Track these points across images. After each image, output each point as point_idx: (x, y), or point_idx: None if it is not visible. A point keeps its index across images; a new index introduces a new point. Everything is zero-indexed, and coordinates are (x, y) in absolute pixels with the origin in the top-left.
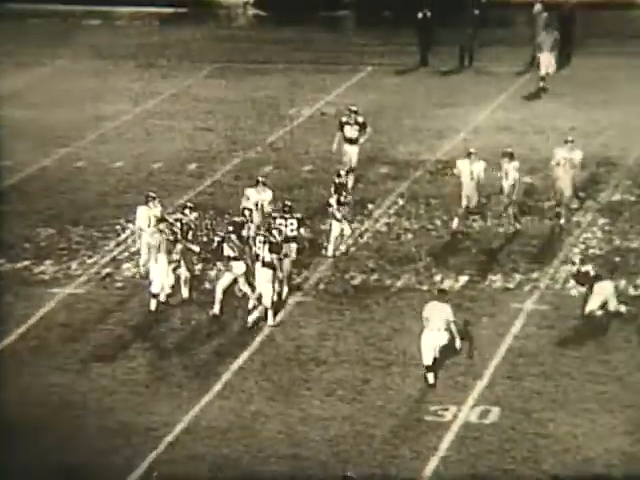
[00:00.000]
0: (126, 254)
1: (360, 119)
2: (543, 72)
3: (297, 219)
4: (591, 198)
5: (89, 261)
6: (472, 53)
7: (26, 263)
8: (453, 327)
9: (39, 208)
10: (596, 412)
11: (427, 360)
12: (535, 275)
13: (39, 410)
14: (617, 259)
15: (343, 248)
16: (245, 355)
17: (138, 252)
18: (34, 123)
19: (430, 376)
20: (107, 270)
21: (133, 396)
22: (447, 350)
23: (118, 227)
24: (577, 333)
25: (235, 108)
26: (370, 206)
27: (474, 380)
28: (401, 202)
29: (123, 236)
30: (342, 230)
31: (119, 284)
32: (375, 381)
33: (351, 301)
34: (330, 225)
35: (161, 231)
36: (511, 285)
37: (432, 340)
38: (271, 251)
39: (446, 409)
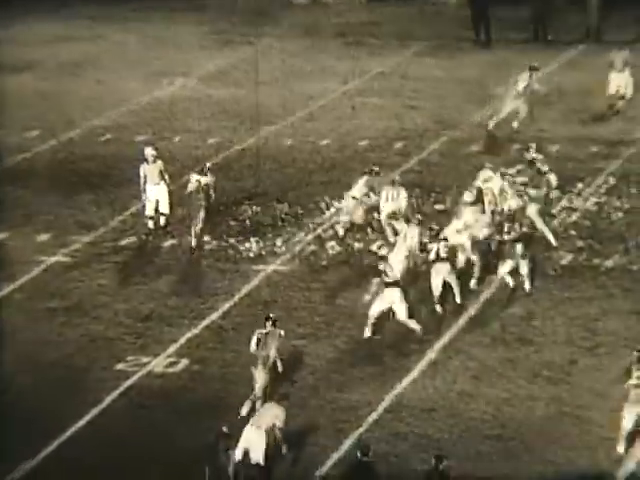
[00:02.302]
0: (330, 232)
1: None
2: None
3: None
4: None
5: (294, 239)
6: (545, 26)
7: (231, 240)
8: None
9: (245, 186)
10: None
11: None
12: None
13: (243, 387)
14: None
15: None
16: (450, 334)
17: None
18: (241, 101)
19: None
20: (311, 248)
21: (337, 375)
22: None
23: (323, 205)
24: None
25: (443, 86)
26: (580, 185)
27: None
28: (612, 181)
29: (328, 214)
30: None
31: (323, 262)
32: (582, 362)
33: (559, 280)
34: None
35: None
36: None
37: None
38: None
39: None
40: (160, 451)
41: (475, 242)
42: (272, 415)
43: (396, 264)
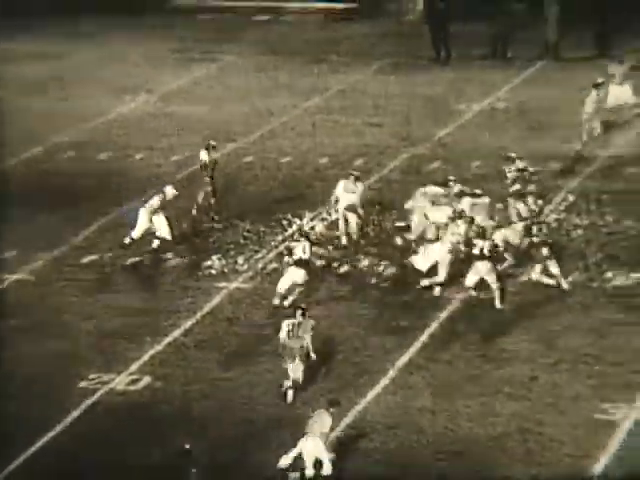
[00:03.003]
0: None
1: None
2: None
3: None
4: None
5: (256, 256)
6: (505, 43)
7: (194, 257)
8: None
9: (207, 203)
10: None
11: None
12: None
13: (205, 404)
14: None
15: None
16: (411, 351)
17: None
18: (203, 119)
19: None
20: (273, 265)
21: (299, 391)
22: (618, 346)
23: (285, 222)
24: None
25: (404, 103)
26: (540, 202)
27: None
28: (571, 198)
29: (290, 231)
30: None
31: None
32: (543, 378)
33: (519, 297)
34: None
35: None
36: None
37: None
38: None
39: (617, 407)
40: (122, 469)
41: None
42: (322, 423)
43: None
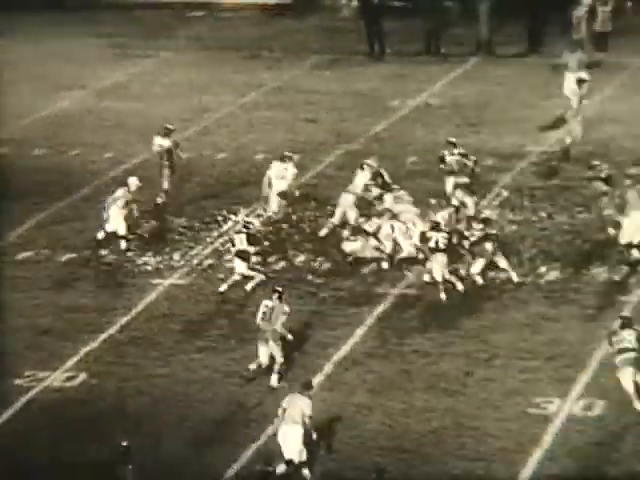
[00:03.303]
0: (228, 245)
1: None
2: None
3: None
4: None
5: (191, 252)
6: (438, 39)
7: (129, 254)
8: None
9: (142, 199)
10: None
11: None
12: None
13: (141, 400)
14: None
15: None
16: (347, 346)
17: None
18: (138, 115)
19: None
20: (209, 261)
21: (234, 387)
22: (551, 341)
23: (220, 218)
24: None
25: (339, 99)
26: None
27: (578, 372)
28: (505, 194)
29: (225, 227)
30: None
31: (220, 275)
32: (478, 373)
33: (454, 292)
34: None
35: None
36: (617, 277)
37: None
38: None
39: (550, 401)
40: (59, 466)
41: None
42: (300, 407)
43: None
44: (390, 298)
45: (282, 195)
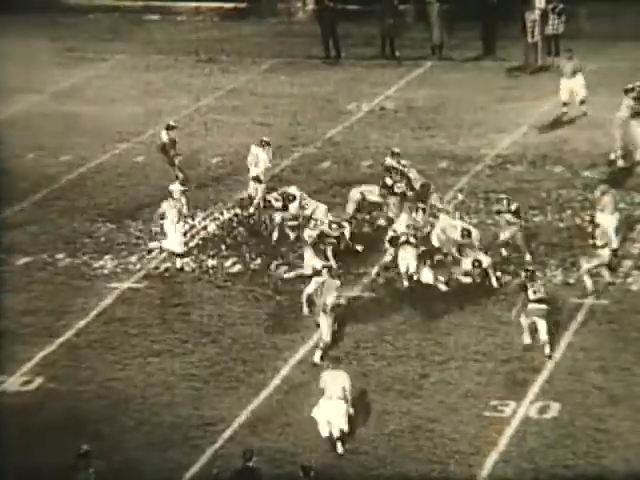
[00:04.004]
0: (185, 248)
1: None
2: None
3: None
4: None
5: (148, 256)
6: (393, 43)
7: (85, 258)
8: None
9: (98, 203)
10: None
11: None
12: (595, 270)
13: (98, 404)
14: None
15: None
16: (303, 350)
17: (197, 246)
18: (94, 118)
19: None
20: (166, 265)
21: (192, 391)
22: (507, 344)
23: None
24: (638, 328)
25: (294, 103)
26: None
27: (534, 375)
28: (460, 197)
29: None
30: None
31: (177, 278)
32: (434, 376)
33: (410, 295)
34: None
35: None
36: (572, 280)
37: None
38: None
39: (506, 404)
40: (18, 470)
41: None
42: (340, 382)
43: None
44: (347, 301)
45: (256, 179)
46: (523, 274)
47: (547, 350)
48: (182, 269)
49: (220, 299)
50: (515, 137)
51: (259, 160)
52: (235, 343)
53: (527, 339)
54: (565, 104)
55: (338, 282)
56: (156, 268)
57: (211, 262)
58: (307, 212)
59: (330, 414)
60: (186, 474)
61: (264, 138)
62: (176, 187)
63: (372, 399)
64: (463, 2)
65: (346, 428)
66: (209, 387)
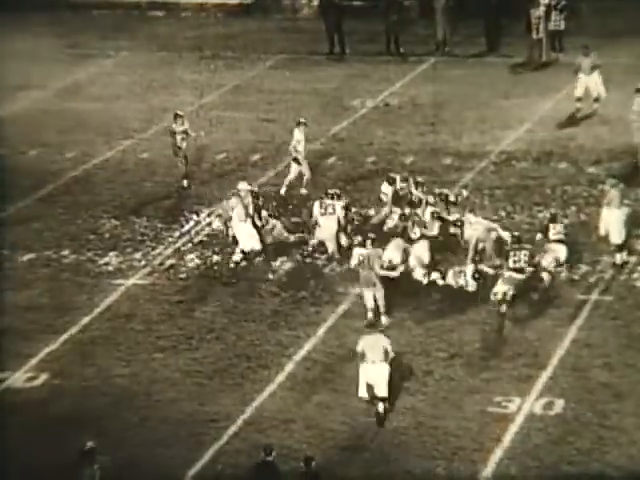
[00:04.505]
0: (190, 245)
1: None
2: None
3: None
4: None
5: (153, 252)
6: (398, 39)
7: (90, 254)
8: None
9: (103, 199)
10: None
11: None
12: (600, 266)
13: (103, 400)
14: None
15: None
16: (308, 346)
17: (201, 243)
18: (98, 115)
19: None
20: (171, 261)
21: (196, 387)
22: (511, 340)
23: (182, 218)
24: None
25: (299, 99)
26: (432, 198)
27: (538, 371)
28: (465, 193)
29: (187, 227)
30: None
31: (182, 275)
32: (438, 372)
33: (415, 292)
34: None
35: None
36: (576, 276)
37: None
38: None
39: (510, 400)
40: (22, 467)
41: None
42: (382, 346)
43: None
44: (350, 297)
45: (295, 161)
46: (509, 239)
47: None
48: (240, 260)
49: (225, 296)
50: (519, 133)
51: (294, 140)
52: (239, 340)
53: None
54: (579, 99)
55: (380, 251)
56: (161, 264)
57: (216, 258)
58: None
59: (373, 377)
60: (190, 470)
61: (300, 119)
62: (244, 186)
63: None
64: None
65: (386, 393)
66: (213, 383)
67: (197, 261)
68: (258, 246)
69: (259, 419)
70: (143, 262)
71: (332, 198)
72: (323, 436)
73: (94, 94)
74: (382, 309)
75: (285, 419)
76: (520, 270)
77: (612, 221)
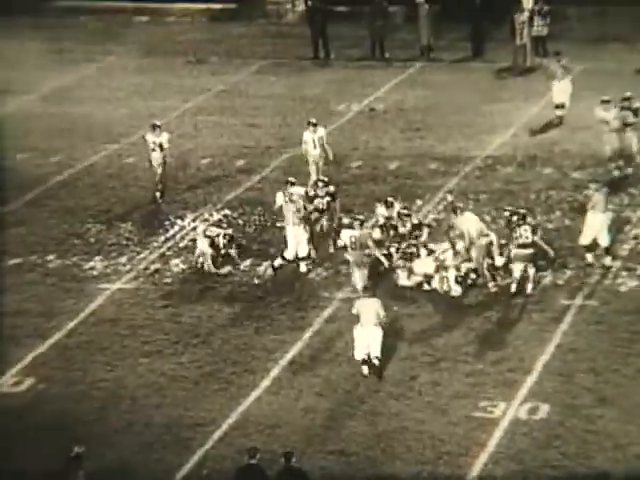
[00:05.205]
0: (175, 250)
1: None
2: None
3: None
4: None
5: (138, 257)
6: (383, 44)
7: (75, 259)
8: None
9: (88, 204)
10: None
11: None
12: (585, 271)
13: (88, 405)
14: None
15: None
16: (294, 351)
17: (186, 248)
18: (84, 119)
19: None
20: (156, 266)
21: (182, 392)
22: (496, 345)
23: (167, 223)
24: (627, 329)
25: (284, 104)
26: (419, 202)
27: (523, 376)
28: (450, 198)
29: (172, 232)
30: None
31: (168, 280)
32: (423, 377)
33: (400, 297)
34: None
35: None
36: (561, 281)
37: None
38: None
39: (495, 405)
40: (7, 472)
41: None
42: (375, 309)
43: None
44: (336, 302)
45: (315, 157)
46: (515, 218)
47: (529, 287)
48: (308, 272)
49: (210, 300)
50: (504, 138)
51: (309, 143)
52: (225, 344)
53: (513, 288)
54: (558, 107)
55: (369, 231)
56: (146, 269)
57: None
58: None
59: (367, 339)
60: (176, 475)
61: (310, 119)
62: (297, 190)
63: (362, 399)
64: (452, 4)
65: (379, 354)
66: (199, 388)
67: (182, 266)
68: (303, 252)
69: (245, 424)
70: (128, 267)
71: (292, 185)
72: (309, 441)
73: (80, 99)
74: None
75: (271, 424)
76: (527, 245)
77: (597, 225)
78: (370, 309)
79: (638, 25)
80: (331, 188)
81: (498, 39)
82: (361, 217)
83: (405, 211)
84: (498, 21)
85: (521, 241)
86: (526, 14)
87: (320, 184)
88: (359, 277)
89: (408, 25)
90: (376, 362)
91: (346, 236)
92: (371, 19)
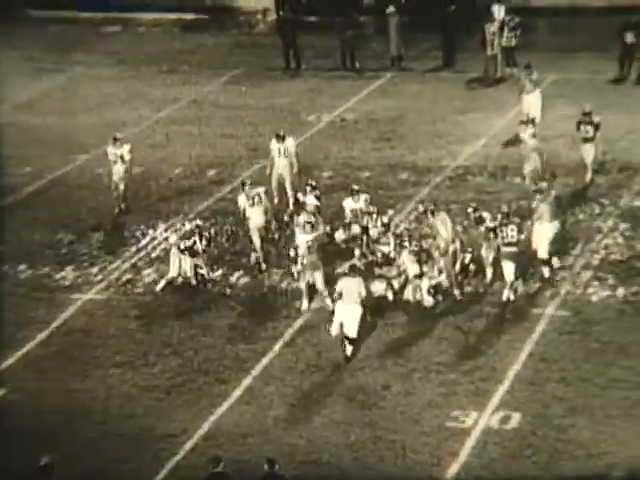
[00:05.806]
0: (147, 260)
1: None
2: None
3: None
4: (612, 204)
5: (110, 267)
6: (353, 54)
7: (47, 269)
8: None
9: (59, 214)
10: (618, 418)
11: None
12: (555, 281)
13: (59, 416)
14: (639, 265)
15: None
16: (266, 360)
17: (158, 258)
18: (53, 130)
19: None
20: (128, 276)
21: (153, 402)
22: (468, 355)
23: (138, 233)
24: (598, 338)
25: (255, 114)
26: (390, 212)
27: (495, 385)
28: (421, 208)
29: (144, 242)
30: None
31: (139, 290)
32: (396, 387)
33: (372, 306)
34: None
35: None
36: (532, 291)
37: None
38: None
39: (467, 415)
40: None
41: None
42: (357, 289)
43: None
44: (307, 313)
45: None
46: (499, 216)
47: (505, 294)
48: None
49: (182, 310)
50: (475, 148)
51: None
52: (197, 354)
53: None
54: (523, 122)
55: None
56: (117, 279)
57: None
58: None
59: (345, 316)
60: None
61: (279, 132)
62: (311, 200)
63: (334, 410)
64: (423, 14)
65: (355, 334)
66: (171, 398)
67: (154, 276)
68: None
69: (217, 434)
70: (100, 277)
71: (254, 186)
72: (281, 450)
73: (50, 108)
74: (324, 292)
75: (243, 433)
76: (514, 244)
77: (541, 235)
78: (353, 288)
79: (607, 36)
80: (318, 192)
81: (469, 49)
82: (312, 220)
83: (371, 208)
84: (469, 31)
85: (507, 240)
86: (496, 24)
87: (308, 188)
88: (320, 280)
89: (378, 35)
90: (348, 348)
91: (302, 241)
92: (341, 29)
